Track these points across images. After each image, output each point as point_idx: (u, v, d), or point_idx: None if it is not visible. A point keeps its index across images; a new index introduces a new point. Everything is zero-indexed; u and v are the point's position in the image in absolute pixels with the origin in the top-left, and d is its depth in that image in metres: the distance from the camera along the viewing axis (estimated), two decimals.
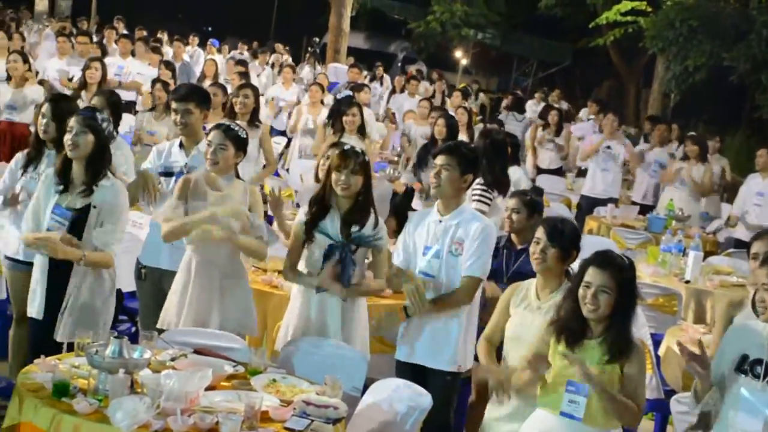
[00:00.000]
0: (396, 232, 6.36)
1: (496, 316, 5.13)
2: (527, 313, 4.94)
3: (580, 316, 4.36)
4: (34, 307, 5.58)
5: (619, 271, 4.32)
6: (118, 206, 5.57)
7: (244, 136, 5.71)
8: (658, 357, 6.78)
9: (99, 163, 5.50)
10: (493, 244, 5.54)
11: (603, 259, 4.37)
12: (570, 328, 4.39)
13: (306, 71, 21.59)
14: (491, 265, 5.54)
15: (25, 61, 10.37)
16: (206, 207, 5.56)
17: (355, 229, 5.55)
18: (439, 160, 5.49)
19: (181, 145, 6.38)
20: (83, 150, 5.45)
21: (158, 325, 5.66)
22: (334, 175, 5.55)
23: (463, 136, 11.02)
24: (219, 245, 5.57)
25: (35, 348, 4.98)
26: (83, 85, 10.04)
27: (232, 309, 5.63)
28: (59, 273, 5.47)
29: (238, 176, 5.78)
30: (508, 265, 6.15)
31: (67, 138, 5.46)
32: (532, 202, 6.27)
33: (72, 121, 5.50)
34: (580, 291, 4.33)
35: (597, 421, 4.34)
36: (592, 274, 4.32)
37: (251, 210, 5.64)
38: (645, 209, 12.10)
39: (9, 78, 10.30)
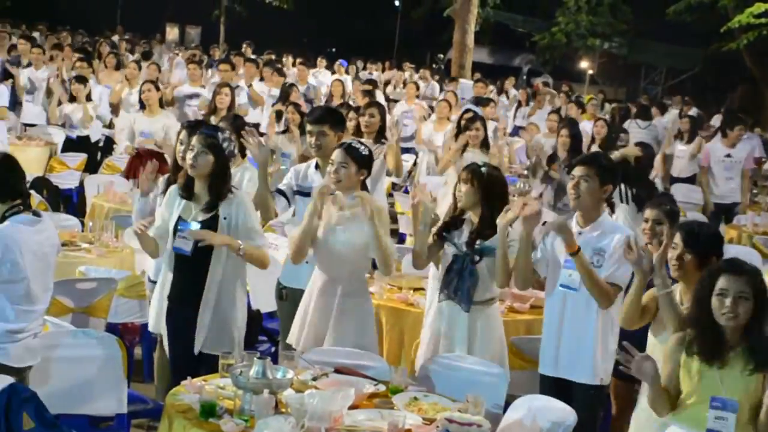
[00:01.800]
0: None
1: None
2: None
3: (714, 326, 4.21)
4: (159, 325, 5.69)
5: (753, 276, 4.18)
6: (250, 216, 5.60)
7: (366, 154, 5.72)
8: None
9: (220, 181, 5.54)
10: None
11: (735, 266, 4.23)
12: (705, 341, 4.23)
13: (429, 88, 21.62)
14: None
15: (158, 89, 10.63)
16: (330, 227, 5.61)
17: (480, 241, 5.58)
18: (578, 171, 5.41)
19: (317, 166, 6.45)
20: (202, 169, 5.50)
21: (287, 341, 5.73)
22: (463, 189, 5.63)
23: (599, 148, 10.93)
24: (341, 263, 5.61)
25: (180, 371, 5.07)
26: (213, 110, 10.24)
27: (349, 329, 5.61)
28: (181, 288, 5.56)
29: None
30: None
31: (188, 156, 5.55)
32: (672, 211, 6.11)
33: (193, 140, 5.57)
34: (714, 300, 4.18)
35: None
36: (727, 282, 4.17)
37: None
38: None
39: (143, 107, 10.56)
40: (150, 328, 5.74)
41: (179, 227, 5.50)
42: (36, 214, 5.01)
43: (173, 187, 5.71)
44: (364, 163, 5.70)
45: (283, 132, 10.12)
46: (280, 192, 6.40)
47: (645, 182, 8.25)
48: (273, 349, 6.93)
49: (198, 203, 5.56)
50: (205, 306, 5.49)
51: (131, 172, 10.23)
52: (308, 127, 6.56)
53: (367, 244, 5.56)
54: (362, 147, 5.74)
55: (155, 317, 5.75)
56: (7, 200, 4.90)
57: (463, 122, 10.35)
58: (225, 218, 5.50)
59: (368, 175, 5.78)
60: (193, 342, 5.43)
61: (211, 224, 5.47)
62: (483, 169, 5.65)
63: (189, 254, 5.46)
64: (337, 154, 5.67)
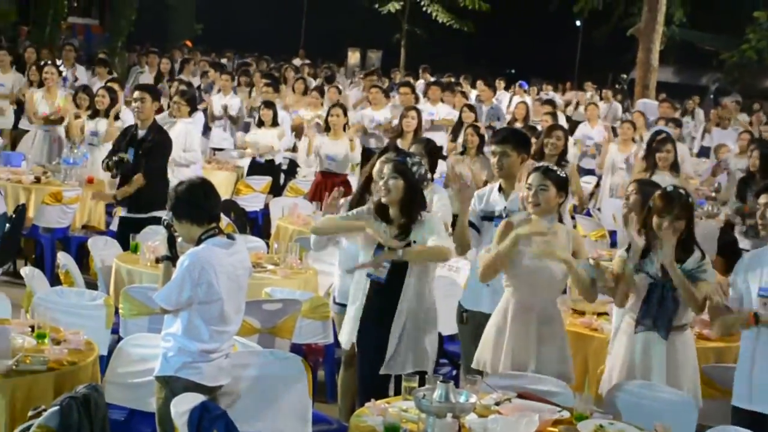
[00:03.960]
0: (726, 272, 6.09)
1: None
2: None
3: None
4: (348, 343, 5.74)
5: None
6: (435, 232, 5.62)
7: (564, 177, 5.64)
8: None
9: (412, 206, 5.61)
10: None
11: None
12: None
13: (614, 108, 21.24)
14: None
15: (345, 114, 10.79)
16: (528, 252, 5.52)
17: (678, 265, 5.38)
18: (766, 198, 5.18)
19: (500, 188, 6.40)
20: (394, 195, 5.58)
21: (473, 365, 5.70)
22: (655, 220, 5.40)
23: None
24: (537, 289, 5.53)
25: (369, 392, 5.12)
26: (400, 133, 10.34)
27: (550, 356, 5.54)
28: (374, 311, 5.61)
29: (560, 219, 5.72)
30: None
31: (380, 183, 5.64)
32: None
33: (384, 168, 5.67)
34: None
35: None
36: None
37: (575, 255, 5.52)
38: None
39: (328, 129, 10.73)
40: (344, 345, 5.82)
41: (377, 254, 5.58)
42: (230, 237, 5.17)
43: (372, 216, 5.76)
44: (563, 186, 5.61)
45: (461, 154, 10.13)
46: (470, 224, 6.37)
47: None
48: (454, 372, 6.92)
49: (393, 229, 5.63)
50: (396, 328, 5.56)
51: (316, 195, 10.42)
52: (492, 148, 6.51)
53: (565, 270, 5.49)
54: (560, 170, 5.67)
55: (347, 335, 5.80)
56: (203, 224, 5.08)
57: (654, 144, 10.14)
58: (415, 242, 5.56)
59: (565, 199, 5.69)
60: (380, 364, 5.46)
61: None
62: (690, 199, 5.46)
63: (384, 281, 5.55)
64: (535, 177, 5.59)
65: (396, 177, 5.58)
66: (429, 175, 6.31)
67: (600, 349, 6.14)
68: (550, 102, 16.41)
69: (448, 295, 6.59)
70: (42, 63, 13.16)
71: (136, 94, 8.65)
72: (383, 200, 5.63)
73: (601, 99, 21.26)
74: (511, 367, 5.49)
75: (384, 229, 5.63)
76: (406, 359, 5.61)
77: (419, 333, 5.69)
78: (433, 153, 7.52)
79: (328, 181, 10.46)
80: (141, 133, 8.56)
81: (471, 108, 13.66)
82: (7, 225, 8.73)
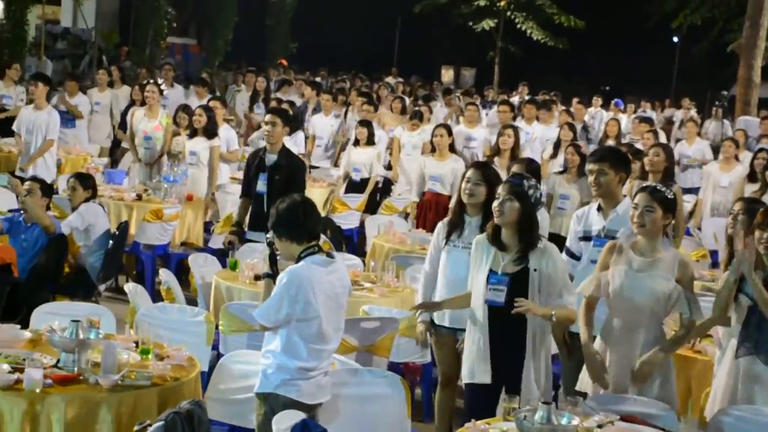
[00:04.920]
0: None
1: None
2: None
3: None
4: (484, 373, 5.56)
5: None
6: (559, 270, 5.55)
7: (672, 198, 5.53)
8: None
9: (528, 228, 5.51)
10: None
11: None
12: None
13: (712, 126, 20.85)
14: None
15: (450, 134, 10.63)
16: (631, 273, 5.43)
17: None
18: None
19: (599, 208, 6.32)
20: (508, 217, 5.48)
21: (577, 387, 5.61)
22: (756, 233, 5.30)
23: None
24: (639, 311, 5.43)
25: (477, 413, 5.03)
26: (497, 151, 10.27)
27: (652, 379, 5.41)
28: (501, 340, 5.52)
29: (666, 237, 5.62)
30: None
31: (495, 205, 5.55)
32: None
33: (500, 189, 5.59)
34: None
35: None
36: None
37: (679, 281, 5.39)
38: None
39: (433, 150, 10.67)
40: (466, 380, 5.68)
41: (491, 279, 5.52)
42: (329, 255, 5.19)
43: (482, 238, 5.70)
44: (670, 207, 5.49)
45: (561, 173, 10.01)
46: (567, 251, 6.30)
47: None
48: (554, 393, 6.83)
49: (507, 253, 5.55)
50: (530, 354, 5.48)
51: (420, 214, 10.37)
52: (588, 166, 6.43)
53: (669, 293, 5.37)
54: (667, 191, 5.55)
55: (470, 367, 5.63)
56: (303, 242, 5.11)
57: (757, 161, 9.91)
58: (535, 270, 5.47)
59: (671, 220, 5.58)
60: (500, 389, 5.36)
61: (521, 277, 5.47)
62: None
63: (503, 305, 5.46)
64: (641, 198, 5.48)
65: (511, 199, 5.48)
66: (543, 199, 6.23)
67: (704, 372, 6.02)
68: (648, 120, 16.18)
69: None
70: (144, 82, 13.38)
71: (268, 117, 8.65)
72: (496, 221, 5.55)
73: (709, 117, 20.86)
74: (613, 390, 5.40)
75: (494, 255, 5.55)
76: (539, 385, 5.50)
77: (546, 352, 5.60)
78: (536, 173, 7.46)
79: (434, 202, 10.40)
80: (271, 157, 8.51)
81: (571, 127, 13.53)
82: (110, 242, 8.89)
